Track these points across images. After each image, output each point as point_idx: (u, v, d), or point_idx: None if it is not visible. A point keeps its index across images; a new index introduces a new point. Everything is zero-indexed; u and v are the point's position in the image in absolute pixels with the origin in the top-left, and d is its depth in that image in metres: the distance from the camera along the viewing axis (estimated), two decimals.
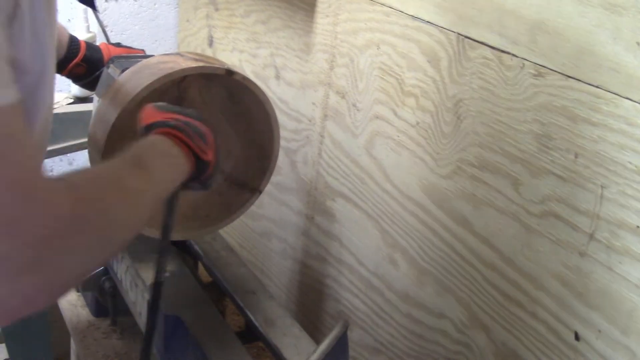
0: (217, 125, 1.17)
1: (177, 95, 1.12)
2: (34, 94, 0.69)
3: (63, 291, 0.65)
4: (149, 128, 0.92)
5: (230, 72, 1.08)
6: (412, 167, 1.19)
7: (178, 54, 1.15)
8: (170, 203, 0.96)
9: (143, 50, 1.41)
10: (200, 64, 1.06)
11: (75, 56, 1.26)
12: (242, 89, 1.11)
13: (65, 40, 1.25)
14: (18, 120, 0.58)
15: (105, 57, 1.31)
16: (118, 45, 1.36)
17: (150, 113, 0.95)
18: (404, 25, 1.17)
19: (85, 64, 1.29)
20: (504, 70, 0.99)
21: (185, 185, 0.94)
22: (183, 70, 1.03)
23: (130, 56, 1.26)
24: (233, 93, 1.16)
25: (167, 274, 1.01)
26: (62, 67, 1.26)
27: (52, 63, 0.71)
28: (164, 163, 0.86)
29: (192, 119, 0.95)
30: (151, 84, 1.01)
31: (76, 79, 1.33)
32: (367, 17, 1.26)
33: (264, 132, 1.18)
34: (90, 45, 1.30)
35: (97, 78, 1.24)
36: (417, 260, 1.21)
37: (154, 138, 0.90)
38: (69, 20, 1.90)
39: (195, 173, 0.92)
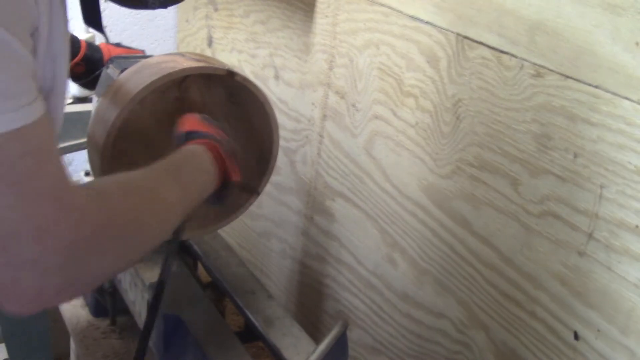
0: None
1: (177, 95, 1.12)
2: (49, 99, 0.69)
3: (85, 291, 0.68)
4: (191, 135, 0.94)
5: (231, 73, 1.08)
6: (411, 167, 1.20)
7: (178, 54, 1.15)
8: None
9: (143, 51, 1.41)
10: (201, 64, 1.06)
11: (75, 56, 1.27)
12: (242, 89, 1.11)
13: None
14: (48, 132, 0.60)
15: (105, 56, 1.31)
16: (118, 45, 1.36)
17: (194, 121, 0.97)
18: (403, 26, 1.17)
19: (84, 63, 1.29)
20: (503, 70, 0.99)
21: (213, 199, 0.95)
22: (183, 70, 1.03)
23: (129, 56, 1.26)
24: (233, 93, 1.16)
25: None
26: None
27: (64, 78, 0.72)
28: (198, 179, 0.87)
29: (228, 136, 0.97)
30: (151, 83, 1.01)
31: (75, 78, 1.33)
32: (366, 18, 1.26)
33: (264, 133, 1.18)
34: (90, 45, 1.30)
35: (97, 78, 1.24)
36: (417, 260, 1.21)
37: (194, 149, 0.91)
38: (68, 20, 1.90)
39: (218, 191, 0.94)
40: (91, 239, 0.62)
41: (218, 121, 1.03)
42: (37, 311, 0.62)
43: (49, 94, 0.69)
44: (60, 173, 0.61)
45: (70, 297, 0.64)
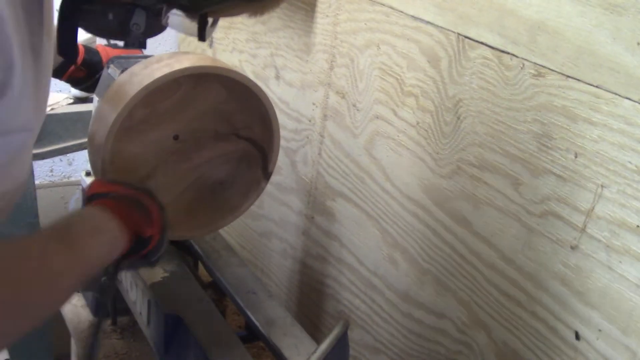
0: (215, 127, 1.18)
1: (177, 95, 1.12)
2: (13, 153, 0.67)
3: None
4: (90, 199, 0.89)
5: (233, 72, 1.08)
6: (412, 167, 1.19)
7: (179, 53, 1.15)
8: (110, 278, 0.92)
9: (141, 51, 1.41)
10: (200, 64, 1.06)
11: (74, 61, 1.26)
12: (242, 89, 1.11)
13: None
14: None
15: (104, 59, 1.30)
16: (115, 46, 1.36)
17: (97, 185, 0.92)
18: (403, 26, 1.17)
19: (84, 68, 1.29)
20: (503, 70, 0.99)
21: (125, 259, 0.89)
22: (183, 70, 1.03)
23: (130, 56, 1.25)
24: (232, 93, 1.16)
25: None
26: (61, 73, 1.26)
27: (37, 124, 0.70)
28: (95, 240, 0.80)
29: (138, 192, 0.91)
30: (151, 83, 1.01)
31: (75, 84, 1.33)
32: (367, 17, 1.26)
33: (264, 133, 1.18)
34: (88, 49, 1.30)
35: (97, 81, 1.24)
36: (418, 260, 1.21)
37: (88, 211, 0.86)
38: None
39: (134, 248, 0.87)
40: None
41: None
42: None
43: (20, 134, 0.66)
44: None
45: None
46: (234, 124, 1.19)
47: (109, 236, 0.82)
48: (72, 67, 1.26)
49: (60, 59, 1.24)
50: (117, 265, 0.89)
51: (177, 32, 2.12)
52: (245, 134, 1.20)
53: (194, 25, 0.88)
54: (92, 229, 0.80)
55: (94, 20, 0.90)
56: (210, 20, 0.89)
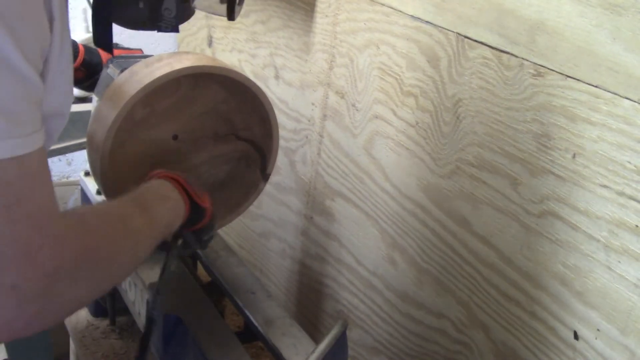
0: (215, 127, 1.18)
1: (177, 94, 1.12)
2: (53, 116, 0.71)
3: (62, 318, 0.70)
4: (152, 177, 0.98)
5: (234, 72, 1.08)
6: (411, 167, 1.19)
7: (178, 53, 1.15)
8: (169, 250, 1.00)
9: (141, 50, 1.40)
10: (200, 63, 1.05)
11: (74, 61, 1.26)
12: (242, 89, 1.11)
13: None
14: (43, 161, 0.63)
15: (104, 59, 1.30)
16: (115, 46, 1.36)
17: (157, 172, 1.00)
18: (403, 25, 1.17)
19: (84, 68, 1.29)
20: (503, 70, 0.99)
21: (181, 235, 0.98)
22: (182, 70, 1.03)
23: (129, 56, 1.25)
24: (232, 93, 1.16)
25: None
26: None
27: (71, 86, 0.75)
28: (163, 206, 0.90)
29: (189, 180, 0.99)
30: (150, 83, 1.01)
31: (75, 83, 1.33)
32: (366, 17, 1.26)
33: (264, 132, 1.18)
34: (88, 49, 1.30)
35: (96, 81, 1.24)
36: (417, 259, 1.21)
37: (154, 182, 0.95)
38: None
39: (191, 218, 0.96)
40: (69, 268, 0.63)
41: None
42: (14, 339, 0.63)
43: (56, 112, 0.70)
44: (49, 201, 0.62)
45: (38, 329, 0.63)
46: (233, 125, 1.19)
47: (173, 204, 0.92)
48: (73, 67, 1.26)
49: None
50: (176, 236, 0.99)
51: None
52: (245, 135, 1.20)
53: (223, 6, 0.98)
54: (161, 197, 0.91)
55: (126, 11, 0.94)
56: None
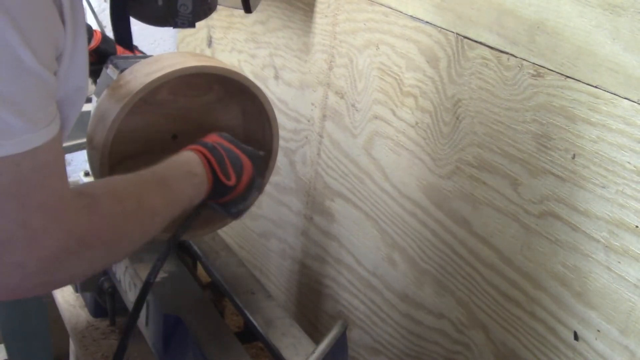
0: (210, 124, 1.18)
1: (177, 94, 1.12)
2: (65, 108, 0.72)
3: (61, 287, 0.72)
4: (197, 143, 0.98)
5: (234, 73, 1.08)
6: (411, 167, 1.19)
7: (177, 53, 1.15)
8: (190, 217, 0.99)
9: (141, 51, 1.41)
10: (199, 63, 1.05)
11: (87, 45, 1.26)
12: (242, 89, 1.11)
13: None
14: (58, 149, 0.64)
15: (119, 51, 1.31)
16: (134, 47, 1.36)
17: (211, 136, 1.01)
18: (402, 26, 1.17)
19: (96, 54, 1.29)
20: (502, 70, 0.99)
21: (207, 204, 0.98)
22: (182, 70, 1.03)
23: (129, 56, 1.25)
24: (231, 93, 1.16)
25: (157, 278, 1.03)
26: None
27: (86, 81, 0.76)
28: (187, 183, 0.90)
29: (239, 150, 1.00)
30: (149, 83, 1.01)
31: None
32: (366, 18, 1.26)
33: (264, 134, 1.18)
34: (106, 39, 1.30)
35: (101, 70, 1.24)
36: (416, 260, 1.21)
37: (183, 155, 0.95)
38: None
39: (212, 194, 0.96)
40: (76, 249, 0.65)
41: (214, 119, 1.06)
42: (5, 299, 0.68)
43: (71, 101, 0.72)
44: (61, 187, 0.64)
45: (44, 292, 0.68)
46: (234, 125, 1.19)
47: (197, 180, 0.92)
48: None
49: None
50: (200, 206, 0.98)
51: (177, 32, 2.12)
52: None
53: None
54: (186, 173, 0.91)
55: (144, 7, 0.95)
56: None
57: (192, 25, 0.99)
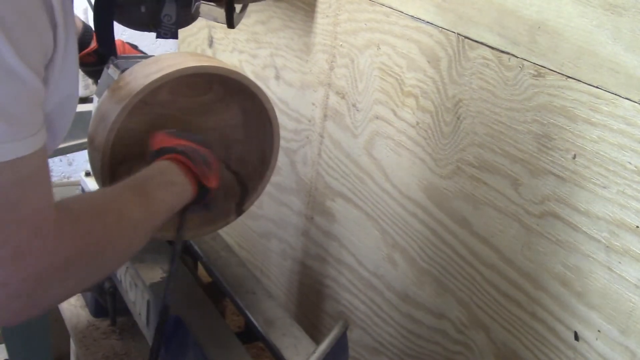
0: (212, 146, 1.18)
1: (201, 99, 1.12)
2: (57, 117, 0.71)
3: (51, 308, 0.70)
4: (158, 153, 0.96)
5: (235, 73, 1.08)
6: (411, 167, 1.19)
7: (179, 54, 1.15)
8: (180, 227, 1.00)
9: (142, 51, 1.40)
10: (200, 64, 1.06)
11: (87, 46, 1.26)
12: (242, 89, 1.11)
13: (77, 29, 1.25)
14: (42, 161, 0.62)
15: (119, 52, 1.31)
16: (135, 47, 1.36)
17: (161, 139, 0.99)
18: (403, 26, 1.17)
19: (96, 55, 1.29)
20: (503, 70, 0.99)
21: (187, 207, 0.97)
22: (181, 70, 1.03)
23: (130, 56, 1.25)
24: (246, 123, 1.16)
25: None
26: None
27: (76, 89, 0.74)
28: (166, 192, 0.89)
29: (200, 145, 0.98)
30: (148, 85, 1.01)
31: (82, 65, 1.33)
32: (367, 18, 1.26)
33: (264, 133, 1.18)
34: None
35: (101, 71, 1.24)
36: (417, 260, 1.21)
37: (160, 165, 0.93)
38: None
39: (197, 198, 0.95)
40: (60, 268, 0.63)
41: (193, 132, 1.05)
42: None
43: (62, 108, 0.70)
44: (44, 202, 0.62)
45: (26, 318, 0.64)
46: (229, 153, 1.19)
47: (179, 188, 0.91)
48: (84, 52, 1.26)
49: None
50: (184, 211, 0.97)
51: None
52: (235, 167, 1.19)
53: (223, 13, 0.94)
54: (165, 183, 0.90)
55: (127, 14, 0.94)
56: (238, 7, 0.94)
57: (175, 37, 0.99)
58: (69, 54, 0.67)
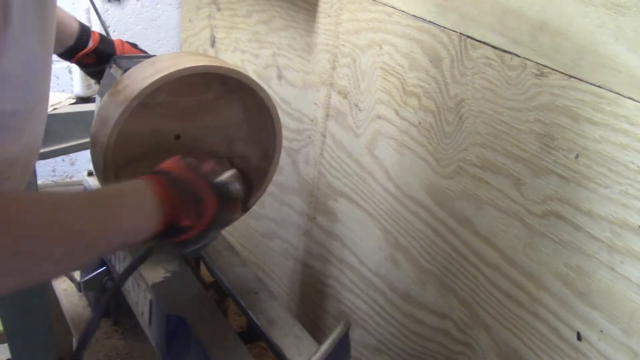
0: (215, 144, 1.18)
1: (202, 97, 1.12)
2: (20, 100, 0.68)
3: None
4: (156, 172, 0.89)
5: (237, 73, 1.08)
6: (414, 167, 1.19)
7: (181, 53, 1.15)
8: (141, 257, 0.98)
9: (145, 52, 1.40)
10: (196, 64, 1.05)
11: (85, 46, 1.26)
12: (245, 89, 1.11)
13: (74, 30, 1.24)
14: None
15: (118, 52, 1.30)
16: (134, 46, 1.35)
17: (172, 162, 0.92)
18: (406, 25, 1.17)
19: (95, 55, 1.29)
20: (506, 70, 0.99)
21: (160, 241, 0.88)
22: (178, 72, 1.03)
23: (132, 56, 1.25)
24: (248, 120, 1.16)
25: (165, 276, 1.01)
26: (71, 56, 1.26)
27: (44, 67, 0.71)
28: (132, 214, 0.81)
29: (203, 183, 0.90)
30: (146, 88, 1.01)
31: (83, 66, 1.33)
32: (369, 17, 1.26)
33: (267, 130, 1.18)
34: (104, 39, 1.30)
35: (103, 71, 1.24)
36: (419, 260, 1.21)
37: (136, 184, 0.85)
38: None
39: (166, 232, 0.85)
40: None
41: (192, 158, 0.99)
42: None
43: (26, 86, 0.67)
44: None
45: None
46: (233, 151, 1.19)
47: (145, 214, 0.82)
48: (82, 53, 1.26)
49: (73, 42, 1.24)
50: (150, 245, 0.92)
51: (179, 32, 2.12)
52: (239, 164, 1.19)
53: None
54: (132, 205, 0.82)
55: None
56: None
57: None
58: (20, 55, 0.63)
